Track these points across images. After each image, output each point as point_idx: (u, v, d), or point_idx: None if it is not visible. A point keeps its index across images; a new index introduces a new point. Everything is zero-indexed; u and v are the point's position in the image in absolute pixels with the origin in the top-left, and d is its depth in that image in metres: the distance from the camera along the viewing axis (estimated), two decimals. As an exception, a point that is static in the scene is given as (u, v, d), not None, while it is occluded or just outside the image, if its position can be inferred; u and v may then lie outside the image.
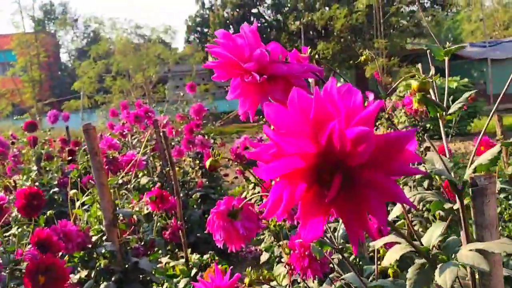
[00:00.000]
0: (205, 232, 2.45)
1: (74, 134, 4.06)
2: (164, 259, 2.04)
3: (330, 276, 1.10)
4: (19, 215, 1.54)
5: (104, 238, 1.40)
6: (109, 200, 1.37)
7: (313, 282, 1.24)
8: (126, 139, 2.96)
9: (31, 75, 13.04)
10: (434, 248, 0.64)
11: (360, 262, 1.16)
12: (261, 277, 0.86)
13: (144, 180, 2.65)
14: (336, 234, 0.83)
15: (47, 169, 2.76)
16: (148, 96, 13.57)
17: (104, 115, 13.07)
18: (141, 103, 3.21)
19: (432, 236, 0.63)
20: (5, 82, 14.51)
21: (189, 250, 2.12)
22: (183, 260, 2.07)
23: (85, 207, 1.63)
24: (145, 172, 2.82)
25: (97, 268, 1.36)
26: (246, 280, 0.80)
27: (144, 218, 1.66)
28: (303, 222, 0.34)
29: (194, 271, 1.94)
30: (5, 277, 1.40)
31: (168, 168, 2.60)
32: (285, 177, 0.31)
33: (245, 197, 0.86)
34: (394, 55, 12.31)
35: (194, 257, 2.08)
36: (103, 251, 1.37)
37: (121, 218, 1.43)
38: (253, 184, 3.06)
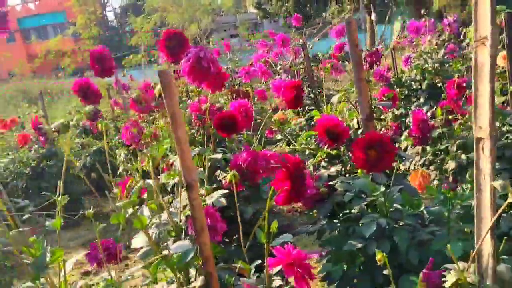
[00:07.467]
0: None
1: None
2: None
3: None
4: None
5: (359, 132, 1.41)
6: (366, 95, 1.36)
7: None
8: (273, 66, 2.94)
9: (90, 32, 13.25)
10: None
11: None
12: None
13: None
14: None
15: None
16: (202, 47, 13.50)
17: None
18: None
19: None
20: (65, 42, 14.87)
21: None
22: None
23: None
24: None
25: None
26: None
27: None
28: None
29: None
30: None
31: (320, 91, 2.58)
32: None
33: None
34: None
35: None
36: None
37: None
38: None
